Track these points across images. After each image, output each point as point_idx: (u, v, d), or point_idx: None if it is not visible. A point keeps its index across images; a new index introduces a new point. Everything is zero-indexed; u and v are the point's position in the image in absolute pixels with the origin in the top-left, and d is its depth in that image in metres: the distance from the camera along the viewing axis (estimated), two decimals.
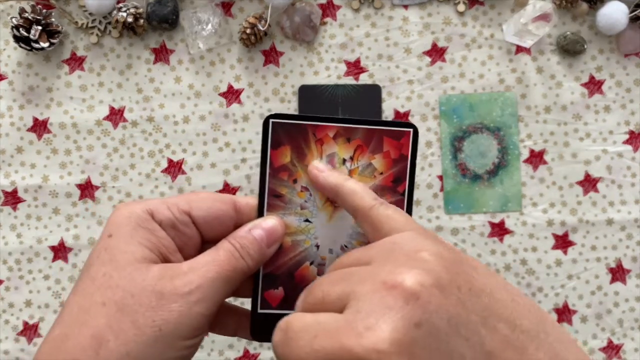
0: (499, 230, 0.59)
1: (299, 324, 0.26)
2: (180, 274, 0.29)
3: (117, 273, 0.28)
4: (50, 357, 0.28)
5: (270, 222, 0.32)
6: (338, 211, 0.34)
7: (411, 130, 0.34)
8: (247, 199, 0.33)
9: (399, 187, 0.34)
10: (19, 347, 0.59)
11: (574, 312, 0.60)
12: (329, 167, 0.33)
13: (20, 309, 0.59)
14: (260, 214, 0.33)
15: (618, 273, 0.60)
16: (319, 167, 0.33)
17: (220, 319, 0.34)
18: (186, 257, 0.31)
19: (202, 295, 0.29)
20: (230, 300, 0.35)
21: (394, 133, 0.34)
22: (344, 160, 0.34)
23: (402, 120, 0.60)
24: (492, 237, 0.60)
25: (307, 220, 0.34)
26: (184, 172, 0.59)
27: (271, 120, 0.33)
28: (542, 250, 0.59)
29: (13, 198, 0.59)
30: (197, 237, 0.32)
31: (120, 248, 0.29)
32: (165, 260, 0.31)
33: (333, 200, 0.33)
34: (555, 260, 0.59)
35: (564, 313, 0.60)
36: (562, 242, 0.60)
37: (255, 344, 0.59)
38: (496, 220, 0.59)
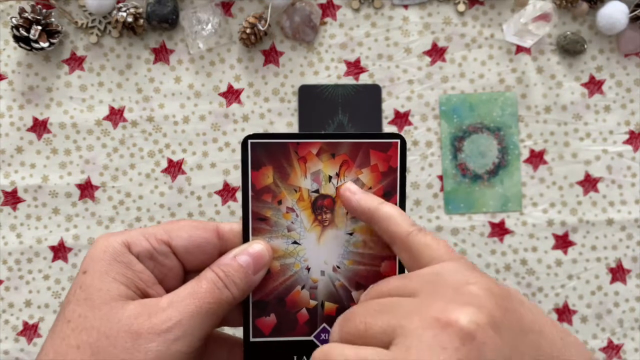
0: (499, 230, 0.59)
1: (339, 357, 0.24)
2: (159, 311, 0.27)
3: (92, 313, 0.27)
4: None
5: (256, 247, 0.31)
6: (327, 231, 0.33)
7: (398, 141, 0.32)
8: (231, 225, 0.32)
9: (390, 201, 0.32)
10: (19, 347, 0.59)
11: (574, 312, 0.60)
12: (362, 190, 0.32)
13: (20, 309, 0.59)
14: (245, 239, 0.32)
15: (618, 273, 0.60)
16: (351, 189, 0.31)
17: (211, 350, 0.33)
18: (168, 289, 0.30)
19: (182, 332, 0.27)
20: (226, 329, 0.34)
21: (380, 145, 0.32)
22: (330, 177, 0.32)
23: (402, 117, 0.60)
24: (492, 237, 0.60)
25: (295, 243, 0.32)
26: (183, 172, 0.59)
27: (250, 141, 0.31)
28: (542, 250, 0.59)
29: (13, 198, 0.59)
30: (178, 267, 0.31)
31: (95, 286, 0.28)
32: (144, 294, 0.29)
33: (322, 222, 0.32)
34: (555, 260, 0.59)
35: (564, 313, 0.59)
36: (562, 242, 0.59)
37: None
38: (496, 220, 0.59)
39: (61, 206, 0.59)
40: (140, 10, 0.58)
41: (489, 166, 0.60)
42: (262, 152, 0.32)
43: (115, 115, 0.60)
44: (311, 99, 0.59)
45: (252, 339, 0.32)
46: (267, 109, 0.59)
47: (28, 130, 0.59)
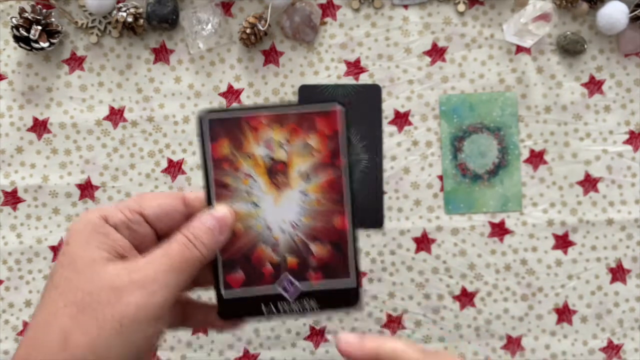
0: (499, 230, 0.59)
1: None
2: (137, 269, 0.31)
3: (77, 276, 0.30)
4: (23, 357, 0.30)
5: (220, 210, 0.34)
6: (283, 192, 0.36)
7: (339, 107, 0.36)
8: (196, 193, 0.35)
9: (337, 162, 0.36)
10: None
11: (574, 312, 0.60)
12: (356, 335, 0.33)
13: (20, 309, 0.59)
14: (209, 204, 0.35)
15: (618, 273, 0.60)
16: (347, 340, 0.33)
17: (189, 315, 0.37)
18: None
19: (158, 287, 0.30)
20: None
21: (324, 112, 0.36)
22: (281, 144, 0.36)
23: (402, 117, 0.60)
24: (492, 237, 0.60)
25: (255, 205, 0.36)
26: (183, 172, 0.59)
27: (207, 117, 0.35)
28: (542, 250, 0.59)
29: (13, 198, 0.59)
30: (151, 234, 0.34)
31: (78, 253, 0.31)
32: (123, 259, 0.32)
33: (278, 184, 0.36)
34: (555, 260, 0.59)
35: (564, 313, 0.60)
36: (562, 242, 0.59)
37: (255, 343, 0.59)
38: (496, 220, 0.59)
39: (61, 206, 0.59)
40: (140, 10, 0.58)
41: (489, 166, 0.60)
42: (217, 125, 0.35)
43: (115, 115, 0.60)
44: (311, 99, 0.59)
45: (224, 294, 0.36)
46: None
47: (28, 130, 0.59)
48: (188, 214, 0.34)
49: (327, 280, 0.36)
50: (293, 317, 0.39)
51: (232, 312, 0.36)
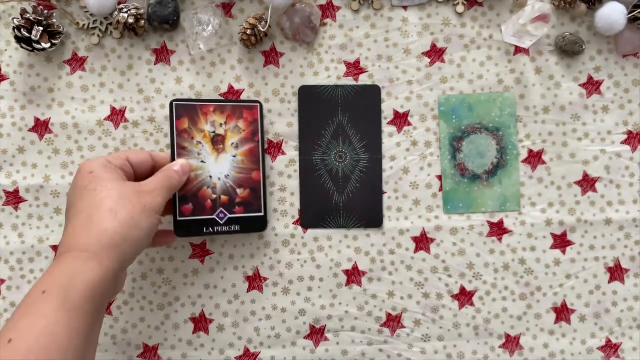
0: (498, 230, 0.60)
1: None
2: (143, 185, 0.48)
3: (107, 185, 0.46)
4: (82, 230, 0.44)
5: (182, 161, 0.53)
6: (221, 155, 0.55)
7: (258, 104, 0.56)
8: (158, 153, 0.54)
9: (255, 138, 0.56)
10: None
11: (573, 311, 0.60)
12: None
13: None
14: (173, 159, 0.53)
15: (616, 272, 0.60)
16: None
17: (153, 238, 0.52)
18: None
19: (157, 194, 0.48)
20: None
21: (248, 107, 0.56)
22: (221, 124, 0.55)
23: (401, 117, 0.60)
24: (491, 237, 0.60)
25: (202, 162, 0.54)
26: None
27: (174, 103, 0.53)
28: (540, 250, 0.60)
29: (15, 198, 0.60)
30: (133, 175, 0.51)
31: (103, 175, 0.47)
32: None
33: (218, 150, 0.55)
34: (553, 260, 0.60)
35: (563, 312, 0.60)
36: (561, 241, 0.60)
37: (256, 342, 0.59)
38: (495, 220, 0.60)
39: (63, 206, 0.59)
40: (142, 11, 0.58)
41: (488, 166, 0.60)
42: (181, 109, 0.53)
43: (117, 116, 0.60)
44: (311, 99, 0.60)
45: (178, 218, 0.53)
46: (267, 109, 0.60)
47: (30, 130, 0.60)
48: (154, 164, 0.52)
49: (246, 212, 0.56)
50: (222, 235, 0.56)
51: (184, 232, 0.53)
